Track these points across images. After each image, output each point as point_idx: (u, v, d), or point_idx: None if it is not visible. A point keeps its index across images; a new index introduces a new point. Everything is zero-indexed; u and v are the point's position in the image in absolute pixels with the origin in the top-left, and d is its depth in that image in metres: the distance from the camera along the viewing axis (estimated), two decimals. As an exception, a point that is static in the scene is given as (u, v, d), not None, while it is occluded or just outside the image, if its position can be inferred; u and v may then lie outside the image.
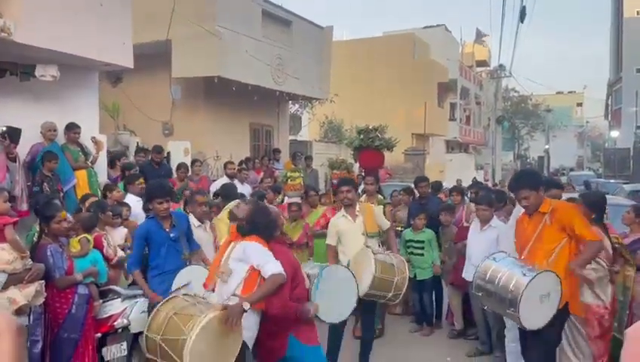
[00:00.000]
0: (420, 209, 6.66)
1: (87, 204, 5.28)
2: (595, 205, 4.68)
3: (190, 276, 4.15)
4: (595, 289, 4.25)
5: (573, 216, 3.77)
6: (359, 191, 6.93)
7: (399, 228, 6.99)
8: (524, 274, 3.56)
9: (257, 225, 3.55)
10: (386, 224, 5.32)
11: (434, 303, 6.55)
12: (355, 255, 4.81)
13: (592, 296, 4.24)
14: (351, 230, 4.99)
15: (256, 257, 3.44)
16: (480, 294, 3.88)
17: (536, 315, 3.60)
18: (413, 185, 7.79)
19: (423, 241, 6.38)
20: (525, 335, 3.93)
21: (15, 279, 3.72)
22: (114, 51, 7.12)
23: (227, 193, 6.06)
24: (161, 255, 4.34)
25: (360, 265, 4.68)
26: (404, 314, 7.06)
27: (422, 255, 6.38)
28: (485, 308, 4.27)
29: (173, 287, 4.05)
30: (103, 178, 7.63)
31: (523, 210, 4.10)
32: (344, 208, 5.10)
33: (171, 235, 4.39)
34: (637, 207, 5.44)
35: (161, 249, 4.34)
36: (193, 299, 3.42)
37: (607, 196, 5.67)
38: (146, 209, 4.97)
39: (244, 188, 8.22)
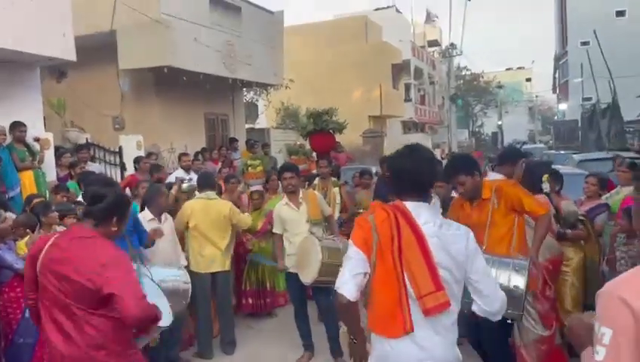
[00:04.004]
0: (387, 190, 6.65)
1: (32, 205, 4.97)
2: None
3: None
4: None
5: (520, 193, 3.78)
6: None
7: (360, 211, 6.99)
8: (517, 270, 3.35)
9: None
10: (328, 210, 5.31)
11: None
12: (300, 242, 4.77)
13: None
14: (295, 218, 4.97)
15: None
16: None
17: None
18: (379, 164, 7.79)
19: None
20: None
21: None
22: (54, 44, 6.81)
23: (204, 181, 5.64)
24: None
25: (306, 252, 4.66)
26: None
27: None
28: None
29: None
30: (51, 178, 7.35)
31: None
32: (287, 195, 5.08)
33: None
34: (601, 177, 5.49)
35: None
36: None
37: (558, 166, 5.78)
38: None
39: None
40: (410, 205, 2.29)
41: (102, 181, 4.11)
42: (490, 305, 2.28)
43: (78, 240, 2.53)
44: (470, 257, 2.24)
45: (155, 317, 2.53)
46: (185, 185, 6.48)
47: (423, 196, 2.33)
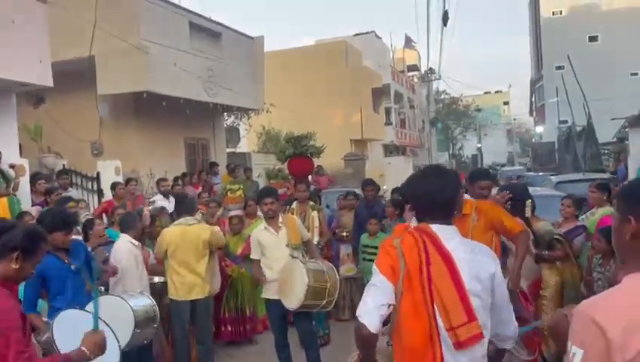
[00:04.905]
0: (369, 213, 6.70)
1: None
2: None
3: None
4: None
5: (500, 213, 3.86)
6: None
7: (344, 234, 7.00)
8: None
9: None
10: (307, 235, 5.27)
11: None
12: (283, 266, 4.71)
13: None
14: (274, 243, 4.89)
15: None
16: None
17: None
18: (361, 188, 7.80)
19: (376, 246, 6.38)
20: None
21: None
22: (30, 70, 6.77)
23: (182, 207, 5.51)
24: (66, 293, 3.83)
25: (290, 276, 4.59)
26: (351, 319, 7.05)
27: (372, 260, 6.36)
28: None
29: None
30: (27, 205, 7.21)
31: None
32: (266, 220, 5.03)
33: (72, 267, 3.92)
34: (576, 198, 5.56)
35: (65, 285, 3.85)
36: None
37: (536, 188, 5.84)
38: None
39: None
40: (437, 228, 2.17)
41: (56, 214, 3.99)
42: (506, 329, 2.22)
43: None
44: (498, 284, 2.14)
45: None
46: (150, 207, 6.50)
47: (448, 218, 2.21)
